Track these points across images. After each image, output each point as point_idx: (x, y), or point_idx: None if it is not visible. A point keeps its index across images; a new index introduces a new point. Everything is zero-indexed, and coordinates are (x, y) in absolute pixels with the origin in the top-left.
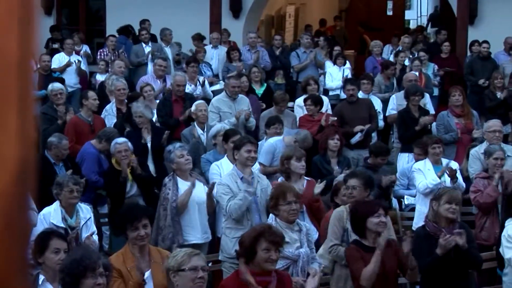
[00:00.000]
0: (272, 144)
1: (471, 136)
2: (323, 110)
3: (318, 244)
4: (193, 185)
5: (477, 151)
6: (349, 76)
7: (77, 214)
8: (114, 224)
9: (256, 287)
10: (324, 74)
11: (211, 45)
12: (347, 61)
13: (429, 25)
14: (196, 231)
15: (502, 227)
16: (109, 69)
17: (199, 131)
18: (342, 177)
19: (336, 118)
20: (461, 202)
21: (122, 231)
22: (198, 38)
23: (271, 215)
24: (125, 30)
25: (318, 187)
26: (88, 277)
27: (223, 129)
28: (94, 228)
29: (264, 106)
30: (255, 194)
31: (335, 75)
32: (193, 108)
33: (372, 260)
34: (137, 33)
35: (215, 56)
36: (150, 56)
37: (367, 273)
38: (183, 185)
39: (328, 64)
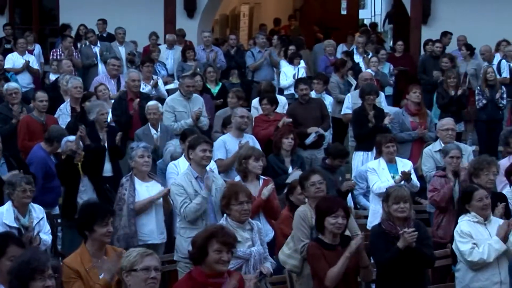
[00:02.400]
0: (221, 140)
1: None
2: (280, 109)
3: (274, 243)
4: (159, 197)
5: (431, 149)
6: (304, 75)
7: (29, 214)
8: (79, 220)
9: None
10: (279, 73)
11: (166, 46)
12: (302, 61)
13: (386, 21)
14: (152, 231)
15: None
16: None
17: (153, 131)
18: (298, 175)
19: (291, 120)
20: (411, 199)
21: (89, 227)
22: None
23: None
24: (62, 29)
25: (266, 191)
26: (36, 279)
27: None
28: (48, 227)
29: (221, 102)
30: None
31: (289, 74)
32: (146, 109)
33: (339, 262)
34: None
35: (170, 56)
36: (99, 56)
37: (333, 275)
38: (140, 186)
39: (283, 64)
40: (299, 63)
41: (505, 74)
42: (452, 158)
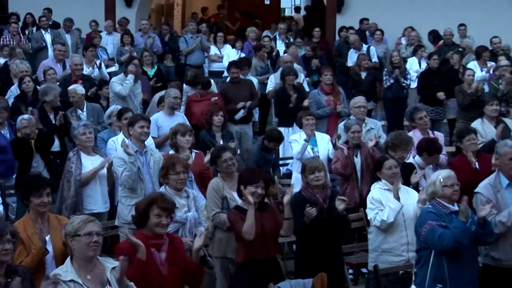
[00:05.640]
0: (153, 118)
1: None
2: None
3: None
4: (102, 167)
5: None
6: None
7: None
8: (20, 190)
9: (137, 242)
10: (209, 57)
11: (106, 32)
12: (228, 45)
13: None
14: (97, 201)
15: (367, 191)
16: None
17: (79, 111)
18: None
19: (217, 98)
20: (325, 168)
21: (27, 197)
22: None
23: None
24: (9, 17)
25: (207, 157)
26: None
27: (117, 110)
28: None
29: (155, 82)
30: (136, 160)
31: (232, 57)
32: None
33: (247, 216)
34: (37, 21)
35: (109, 41)
36: (51, 42)
37: (245, 227)
38: (86, 159)
39: (213, 48)
40: (241, 47)
41: (375, 59)
42: (354, 133)
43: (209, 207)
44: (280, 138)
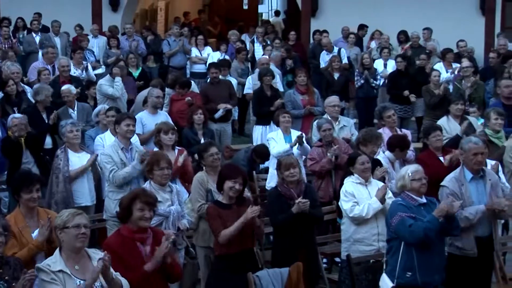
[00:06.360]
0: (138, 117)
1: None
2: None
3: None
4: (90, 164)
5: None
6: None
7: None
8: (11, 186)
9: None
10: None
11: (92, 35)
12: (209, 47)
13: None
14: (85, 195)
15: (340, 186)
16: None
17: (70, 110)
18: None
19: (190, 98)
20: (299, 164)
21: (17, 193)
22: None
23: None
24: (1, 21)
25: (181, 158)
26: None
27: (104, 109)
28: None
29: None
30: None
31: (215, 58)
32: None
33: (234, 226)
34: (29, 24)
35: (95, 44)
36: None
37: (226, 234)
38: (73, 156)
39: (194, 50)
40: (225, 50)
41: (345, 60)
42: (325, 131)
43: (194, 199)
44: (267, 156)
